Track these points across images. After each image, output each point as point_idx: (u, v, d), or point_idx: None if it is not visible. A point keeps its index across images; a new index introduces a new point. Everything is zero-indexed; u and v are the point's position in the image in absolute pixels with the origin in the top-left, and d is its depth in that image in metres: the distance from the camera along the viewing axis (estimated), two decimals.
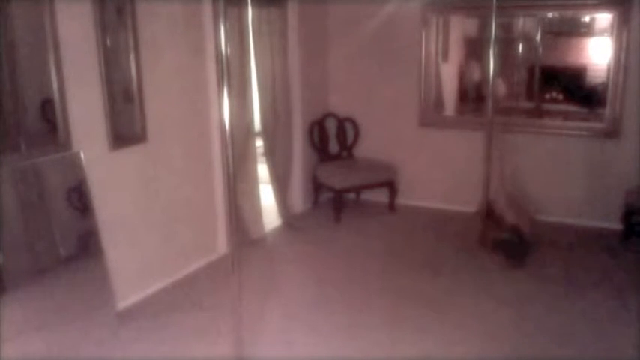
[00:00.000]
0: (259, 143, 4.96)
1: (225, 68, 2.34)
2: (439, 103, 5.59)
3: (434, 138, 5.43)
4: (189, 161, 4.11)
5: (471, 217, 4.83)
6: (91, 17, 3.20)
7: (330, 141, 5.68)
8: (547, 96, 5.42)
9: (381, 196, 5.56)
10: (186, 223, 4.10)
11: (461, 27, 5.60)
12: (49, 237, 3.10)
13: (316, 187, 5.59)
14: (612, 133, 4.80)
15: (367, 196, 5.75)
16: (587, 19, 5.18)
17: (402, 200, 5.58)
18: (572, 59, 5.40)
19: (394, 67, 5.48)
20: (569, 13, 5.19)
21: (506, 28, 5.39)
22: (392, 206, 5.49)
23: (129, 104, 3.54)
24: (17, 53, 2.91)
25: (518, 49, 5.46)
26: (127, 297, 3.61)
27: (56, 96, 3.04)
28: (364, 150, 5.73)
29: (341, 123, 5.69)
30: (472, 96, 5.67)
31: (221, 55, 2.32)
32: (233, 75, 4.16)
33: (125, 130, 3.52)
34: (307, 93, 5.39)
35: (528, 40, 5.39)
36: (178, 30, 3.89)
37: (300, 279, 4.12)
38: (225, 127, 2.42)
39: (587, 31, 5.24)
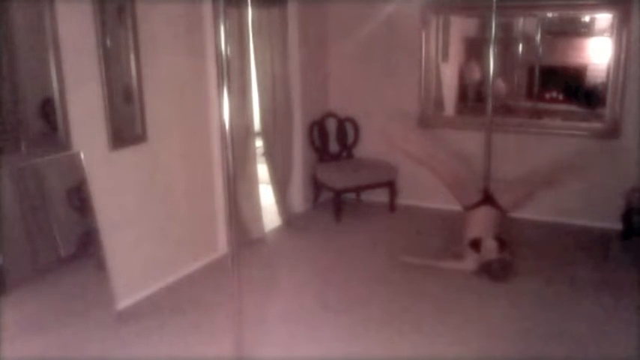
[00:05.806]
0: (259, 143, 4.96)
1: (225, 68, 2.33)
2: (439, 103, 5.59)
3: (434, 138, 5.43)
4: (190, 161, 4.11)
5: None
6: (91, 17, 3.20)
7: (330, 141, 5.68)
8: (547, 96, 5.42)
9: (381, 196, 5.56)
10: (186, 222, 4.10)
11: (461, 27, 5.60)
12: (49, 237, 3.10)
13: (316, 187, 5.59)
14: (612, 133, 4.80)
15: (367, 196, 5.75)
16: (587, 19, 5.17)
17: (402, 200, 5.58)
18: (572, 59, 5.40)
19: (394, 67, 5.48)
20: (569, 13, 5.19)
21: (506, 28, 5.39)
22: (392, 206, 5.49)
23: (129, 104, 3.54)
24: (17, 53, 2.91)
25: (518, 49, 5.45)
26: (127, 297, 3.61)
27: (56, 96, 3.05)
28: (364, 150, 5.73)
29: (341, 123, 5.69)
30: (472, 96, 5.67)
31: (221, 55, 2.31)
32: (233, 75, 4.16)
33: (125, 130, 3.52)
34: (307, 93, 5.39)
35: (528, 40, 5.38)
36: (178, 30, 3.89)
37: (300, 279, 4.11)
38: (225, 127, 2.41)
39: (587, 31, 5.24)
